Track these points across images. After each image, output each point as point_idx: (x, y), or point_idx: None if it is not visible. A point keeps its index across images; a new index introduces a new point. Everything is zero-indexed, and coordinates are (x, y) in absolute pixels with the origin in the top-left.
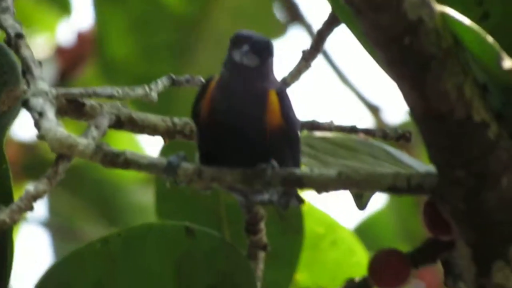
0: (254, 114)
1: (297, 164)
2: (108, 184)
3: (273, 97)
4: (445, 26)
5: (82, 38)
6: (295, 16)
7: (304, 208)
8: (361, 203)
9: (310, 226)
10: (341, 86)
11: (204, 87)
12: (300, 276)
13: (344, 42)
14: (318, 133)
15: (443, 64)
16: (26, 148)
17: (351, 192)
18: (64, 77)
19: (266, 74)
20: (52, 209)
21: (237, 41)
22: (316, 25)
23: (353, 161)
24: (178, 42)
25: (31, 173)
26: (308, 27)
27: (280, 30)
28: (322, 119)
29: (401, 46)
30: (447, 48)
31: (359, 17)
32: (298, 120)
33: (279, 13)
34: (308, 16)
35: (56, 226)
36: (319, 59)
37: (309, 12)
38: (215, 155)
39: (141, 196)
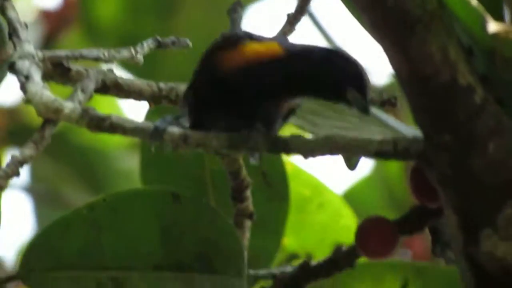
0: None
1: None
2: (92, 150)
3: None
4: None
5: (66, 1)
6: None
7: (291, 170)
8: (351, 164)
9: (296, 188)
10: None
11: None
12: (287, 240)
13: (328, 3)
14: None
15: (428, 26)
16: (9, 113)
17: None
18: (48, 41)
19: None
20: (35, 175)
21: None
22: None
23: (341, 122)
24: (163, 2)
25: (14, 139)
26: None
27: None
28: None
29: (385, 8)
30: (431, 10)
31: None
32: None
33: None
34: None
35: (39, 192)
36: (304, 21)
37: None
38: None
39: (126, 162)
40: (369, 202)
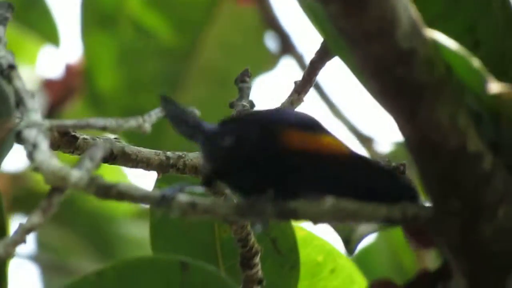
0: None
1: None
2: (101, 216)
3: None
4: (437, 54)
5: (70, 70)
6: (286, 47)
7: (302, 235)
8: (350, 248)
9: (309, 254)
10: (333, 117)
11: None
12: None
13: (335, 73)
14: None
15: (436, 93)
16: (14, 179)
17: (340, 236)
18: (52, 110)
19: None
20: (41, 242)
21: None
22: (308, 57)
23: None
24: (167, 74)
25: (19, 205)
26: (300, 59)
27: (271, 61)
28: None
29: (394, 76)
30: (439, 77)
31: (351, 48)
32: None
33: (270, 44)
34: (300, 47)
35: (46, 261)
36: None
37: (301, 43)
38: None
39: (135, 230)
40: (377, 267)
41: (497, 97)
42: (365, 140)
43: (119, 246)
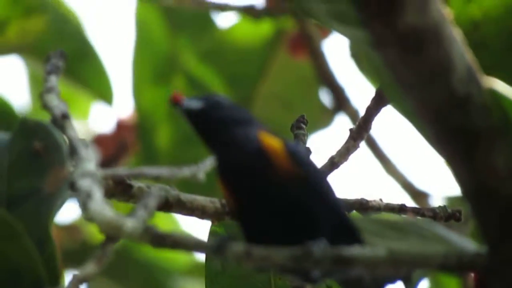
0: (254, 160)
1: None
2: (156, 270)
3: (267, 140)
4: (493, 100)
5: (122, 126)
6: (342, 103)
7: None
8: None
9: None
10: (386, 173)
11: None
12: None
13: (389, 127)
14: (366, 215)
15: (492, 139)
16: (67, 231)
17: (401, 279)
18: (105, 165)
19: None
20: None
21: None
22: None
23: (401, 243)
24: None
25: (72, 258)
26: (354, 114)
27: (327, 117)
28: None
29: (449, 121)
30: (496, 122)
31: (408, 93)
32: (316, 166)
33: (325, 99)
34: (355, 102)
35: None
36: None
37: (355, 99)
38: (257, 231)
39: (190, 285)
40: None
41: None
42: (419, 195)
43: None
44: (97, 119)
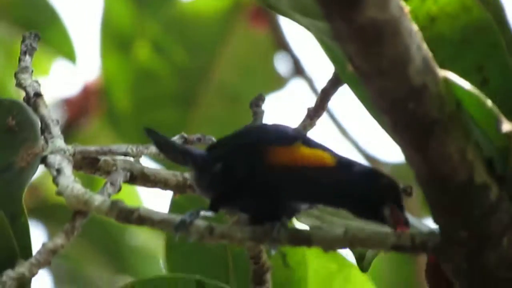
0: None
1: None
2: (114, 226)
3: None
4: (448, 91)
5: (87, 89)
6: (297, 70)
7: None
8: (363, 265)
9: (322, 263)
10: (340, 138)
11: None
12: None
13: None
14: None
15: (446, 128)
16: (30, 189)
17: (354, 254)
18: (69, 127)
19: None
20: None
21: None
22: (318, 80)
23: (357, 221)
24: (183, 93)
25: (36, 214)
26: (310, 81)
27: (280, 82)
28: None
29: (405, 111)
30: (450, 112)
31: (365, 83)
32: None
33: (281, 66)
34: (311, 70)
35: (60, 270)
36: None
37: (312, 66)
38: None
39: (148, 240)
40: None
41: (508, 135)
42: (371, 160)
43: (131, 256)
44: (60, 78)
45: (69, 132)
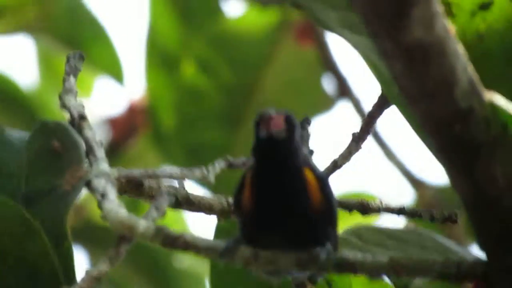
0: (297, 199)
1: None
2: (159, 249)
3: (309, 176)
4: (494, 114)
5: (133, 108)
6: (343, 90)
7: None
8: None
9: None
10: (385, 160)
11: (242, 180)
12: None
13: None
14: (366, 225)
15: (492, 151)
16: (73, 210)
17: (396, 286)
18: (115, 147)
19: (295, 151)
20: None
21: (261, 120)
22: (364, 101)
23: (401, 253)
24: (229, 112)
25: (78, 235)
26: (356, 102)
27: (328, 103)
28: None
29: (451, 133)
30: (496, 135)
31: (412, 104)
32: (335, 198)
33: (328, 86)
34: (357, 91)
35: None
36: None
37: (358, 87)
38: (259, 239)
39: (193, 262)
40: None
41: None
42: (417, 183)
43: (176, 279)
44: (103, 97)
45: (114, 151)
